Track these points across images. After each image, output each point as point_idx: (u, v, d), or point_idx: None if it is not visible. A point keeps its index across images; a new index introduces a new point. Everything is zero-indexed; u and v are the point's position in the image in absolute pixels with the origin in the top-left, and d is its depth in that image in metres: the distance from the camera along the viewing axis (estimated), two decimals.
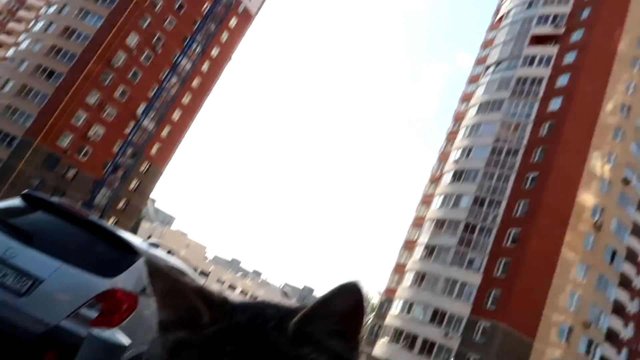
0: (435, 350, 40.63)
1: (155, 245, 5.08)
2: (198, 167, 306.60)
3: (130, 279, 4.26)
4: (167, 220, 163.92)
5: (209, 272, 66.19)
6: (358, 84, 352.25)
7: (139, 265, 4.38)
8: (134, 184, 58.14)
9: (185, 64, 57.89)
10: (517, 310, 38.37)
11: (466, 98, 58.32)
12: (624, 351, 48.46)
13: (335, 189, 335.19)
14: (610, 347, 44.49)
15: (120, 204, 56.90)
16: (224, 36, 64.48)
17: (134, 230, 78.87)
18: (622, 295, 45.68)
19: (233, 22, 65.16)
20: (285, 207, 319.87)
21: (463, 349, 39.14)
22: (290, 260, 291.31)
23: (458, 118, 57.76)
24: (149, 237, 78.23)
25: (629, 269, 46.35)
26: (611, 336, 44.96)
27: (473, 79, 59.78)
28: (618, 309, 45.46)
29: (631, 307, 48.51)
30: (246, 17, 67.33)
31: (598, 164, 43.27)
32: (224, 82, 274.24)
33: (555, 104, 45.53)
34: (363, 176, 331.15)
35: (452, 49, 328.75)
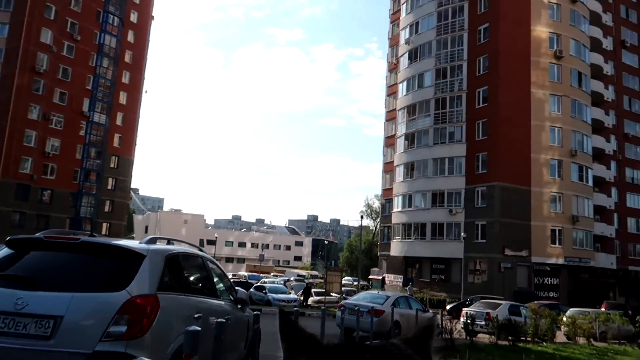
0: (445, 229, 42.41)
1: (153, 241, 5.14)
2: (163, 135, 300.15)
3: (143, 282, 4.38)
4: (157, 204, 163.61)
5: (215, 238, 66.87)
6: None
7: (146, 266, 4.47)
8: (110, 182, 57.15)
9: (110, 41, 54.84)
10: (506, 164, 39.72)
11: None
12: (612, 164, 51.03)
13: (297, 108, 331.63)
14: (599, 165, 46.76)
15: (106, 207, 56.25)
16: None
17: (129, 227, 78.86)
18: (598, 113, 47.26)
19: None
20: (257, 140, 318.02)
21: (469, 219, 40.90)
22: (285, 195, 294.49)
23: None
24: (146, 228, 78.34)
25: (597, 85, 47.55)
26: (598, 155, 47.09)
27: None
28: (598, 128, 47.22)
29: (609, 121, 50.40)
30: None
31: None
32: (156, 42, 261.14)
33: None
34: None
35: None
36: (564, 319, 20.57)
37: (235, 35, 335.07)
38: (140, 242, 4.91)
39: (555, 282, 39.65)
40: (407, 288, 38.10)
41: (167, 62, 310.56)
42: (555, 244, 40.09)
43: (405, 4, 50.88)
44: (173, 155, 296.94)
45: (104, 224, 55.55)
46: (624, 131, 53.97)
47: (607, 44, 51.89)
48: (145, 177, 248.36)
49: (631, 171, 54.21)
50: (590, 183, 43.45)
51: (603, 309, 27.10)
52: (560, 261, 39.88)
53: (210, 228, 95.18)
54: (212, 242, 67.07)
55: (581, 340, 19.17)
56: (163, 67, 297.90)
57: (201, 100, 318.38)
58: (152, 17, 64.28)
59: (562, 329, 20.56)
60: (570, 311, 23.10)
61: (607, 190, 49.19)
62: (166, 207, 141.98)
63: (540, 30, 42.43)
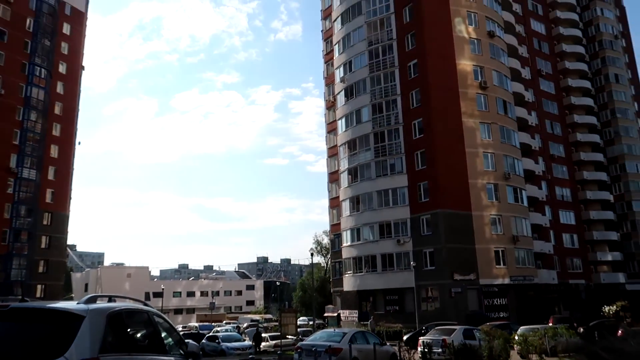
0: (395, 260, 42.95)
1: (93, 299, 4.84)
2: (100, 186, 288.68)
3: (83, 345, 4.09)
4: (97, 259, 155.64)
5: (162, 290, 64.13)
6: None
7: (86, 327, 4.18)
8: (44, 240, 53.82)
9: (38, 93, 52.81)
10: (447, 191, 41.17)
11: (327, 14, 58.54)
12: (543, 184, 54.20)
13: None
14: (531, 186, 49.51)
15: (41, 268, 52.72)
16: (65, 46, 58.85)
17: (67, 287, 74.19)
18: (525, 137, 50.39)
19: (66, 28, 59.38)
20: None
21: (417, 247, 41.71)
22: (233, 239, 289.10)
23: (327, 36, 58.12)
24: (86, 286, 74.05)
25: (521, 111, 50.85)
26: (529, 176, 49.96)
27: None
28: (526, 151, 50.23)
29: (535, 144, 53.78)
30: (78, 17, 61.34)
31: (463, 28, 45.69)
32: (89, 92, 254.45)
33: None
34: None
35: None
36: (516, 337, 21.08)
37: (170, 82, 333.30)
38: (78, 303, 4.62)
39: (504, 302, 40.79)
40: (369, 322, 37.93)
41: (101, 112, 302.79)
42: (500, 264, 41.45)
43: (337, 45, 52.75)
44: (111, 207, 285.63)
45: (39, 286, 51.89)
46: (550, 152, 57.65)
47: (526, 73, 55.94)
48: (83, 232, 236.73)
49: (560, 189, 57.67)
50: (525, 203, 45.70)
51: (551, 324, 28.03)
52: (507, 281, 41.19)
53: (156, 280, 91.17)
54: (158, 295, 64.20)
55: (534, 357, 19.65)
56: (97, 117, 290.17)
57: (139, 148, 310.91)
58: (83, 67, 62.78)
59: (515, 348, 21.01)
60: (521, 329, 23.72)
61: (541, 209, 51.90)
62: (107, 262, 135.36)
63: (465, 64, 45.08)
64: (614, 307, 39.07)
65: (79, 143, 62.31)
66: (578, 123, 61.75)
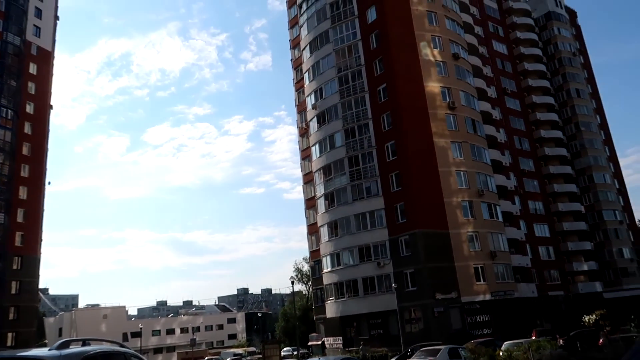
0: (376, 283, 42.85)
1: (66, 344, 4.67)
2: (72, 227, 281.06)
3: None
4: (71, 302, 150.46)
5: (140, 329, 62.20)
6: None
7: None
8: (14, 286, 51.88)
9: (5, 135, 51.73)
10: (423, 211, 41.56)
11: (295, 43, 59.47)
12: (516, 199, 55.28)
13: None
14: (505, 202, 50.42)
15: (11, 314, 50.65)
16: (32, 86, 58.09)
17: (40, 332, 71.34)
18: (495, 154, 51.55)
19: (33, 67, 58.73)
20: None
21: (398, 269, 41.74)
22: (212, 273, 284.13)
23: (297, 65, 58.90)
24: (60, 330, 71.31)
25: (490, 129, 52.14)
26: (502, 192, 50.91)
27: (293, 22, 60.95)
28: (498, 167, 51.30)
29: (506, 160, 55.03)
30: (44, 56, 60.81)
31: (428, 52, 46.93)
32: (58, 131, 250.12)
33: (372, 14, 48.26)
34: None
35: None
36: (501, 353, 21.12)
37: (141, 117, 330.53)
38: (50, 349, 4.46)
39: (486, 319, 40.90)
40: (360, 348, 37.47)
41: (71, 149, 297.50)
42: (480, 281, 41.71)
43: (307, 73, 53.48)
44: (85, 247, 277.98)
45: (9, 334, 49.75)
46: (520, 168, 59.01)
47: (492, 92, 57.62)
48: (56, 275, 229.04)
49: (533, 203, 58.87)
50: (501, 219, 46.41)
51: (534, 337, 28.21)
52: (488, 297, 41.40)
53: (133, 319, 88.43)
54: (136, 334, 62.25)
55: None
56: (68, 155, 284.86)
57: (112, 184, 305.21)
58: (51, 106, 61.93)
59: None
60: (505, 344, 23.81)
61: (516, 223, 52.78)
62: (82, 304, 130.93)
63: (433, 86, 46.18)
64: (594, 316, 39.56)
65: (49, 183, 60.83)
66: (545, 138, 63.58)
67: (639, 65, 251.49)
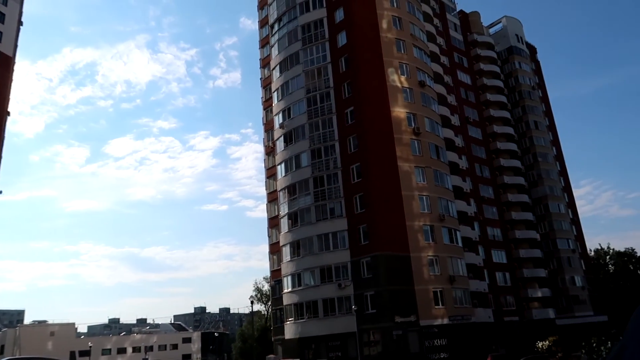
0: (336, 305, 42.66)
1: None
2: (22, 239, 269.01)
3: None
4: (16, 318, 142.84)
5: (89, 348, 59.56)
6: None
7: None
8: None
9: None
10: (385, 234, 41.91)
11: (265, 62, 59.70)
12: (476, 225, 56.57)
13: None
14: (465, 227, 51.47)
15: None
16: None
17: None
18: (457, 180, 52.73)
19: None
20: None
21: (358, 291, 41.74)
22: (168, 290, 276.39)
23: (266, 84, 59.06)
24: (2, 348, 67.53)
25: (452, 156, 53.41)
26: (463, 218, 51.96)
27: (264, 42, 61.27)
28: (458, 193, 52.45)
29: (467, 187, 56.40)
30: (5, 62, 58.63)
31: (396, 78, 48.00)
32: (14, 139, 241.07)
33: (342, 39, 49.14)
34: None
35: (234, 17, 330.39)
36: None
37: (104, 128, 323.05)
38: None
39: (444, 343, 41.21)
40: None
41: (27, 158, 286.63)
42: (438, 304, 42.11)
43: (276, 92, 53.66)
44: (35, 260, 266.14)
45: None
46: (480, 194, 60.56)
47: (455, 120, 59.22)
48: (1, 289, 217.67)
49: (492, 229, 60.34)
50: (460, 244, 47.26)
51: None
52: (446, 321, 41.79)
53: (83, 337, 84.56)
54: (86, 353, 59.57)
55: None
56: (23, 164, 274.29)
57: (68, 196, 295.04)
58: (8, 113, 59.64)
59: None
60: None
61: (474, 249, 53.85)
62: (28, 320, 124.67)
63: (399, 111, 47.11)
64: (547, 342, 40.53)
65: (0, 192, 58.21)
66: (504, 166, 65.64)
67: (593, 102, 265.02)
